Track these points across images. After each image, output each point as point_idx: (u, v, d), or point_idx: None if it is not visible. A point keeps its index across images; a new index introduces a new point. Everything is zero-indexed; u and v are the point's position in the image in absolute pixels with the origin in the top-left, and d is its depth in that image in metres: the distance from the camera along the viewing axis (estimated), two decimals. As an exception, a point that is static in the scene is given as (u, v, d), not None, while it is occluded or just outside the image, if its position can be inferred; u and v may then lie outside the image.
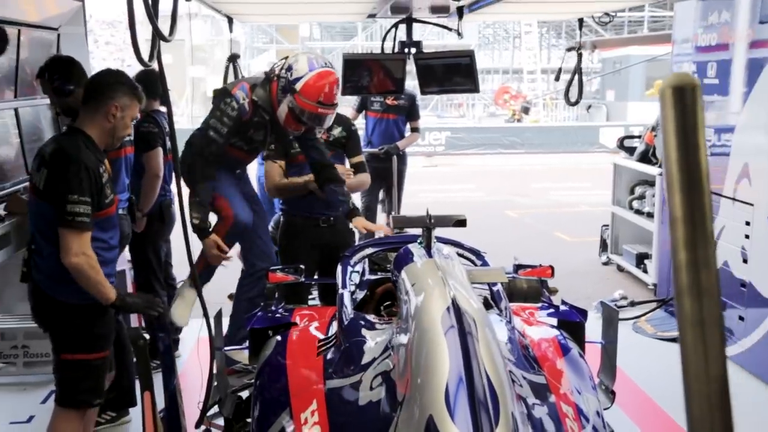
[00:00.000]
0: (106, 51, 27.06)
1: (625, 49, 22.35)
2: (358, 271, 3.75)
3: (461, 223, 3.39)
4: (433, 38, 22.38)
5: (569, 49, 6.35)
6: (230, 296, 4.55)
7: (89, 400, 3.23)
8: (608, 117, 23.70)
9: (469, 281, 2.67)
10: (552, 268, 3.80)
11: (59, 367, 3.20)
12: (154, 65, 2.43)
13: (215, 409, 3.28)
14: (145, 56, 2.25)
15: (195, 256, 3.20)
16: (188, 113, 21.85)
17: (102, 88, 3.13)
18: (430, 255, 2.75)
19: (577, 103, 6.36)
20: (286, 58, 4.00)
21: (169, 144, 4.64)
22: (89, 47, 5.53)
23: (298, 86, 3.78)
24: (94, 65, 5.19)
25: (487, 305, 3.12)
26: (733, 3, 5.23)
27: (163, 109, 4.79)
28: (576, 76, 6.02)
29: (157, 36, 2.17)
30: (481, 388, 1.85)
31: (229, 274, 4.96)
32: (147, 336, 2.99)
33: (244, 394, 3.32)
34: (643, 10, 26.55)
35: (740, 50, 5.17)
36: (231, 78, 6.06)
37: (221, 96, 3.97)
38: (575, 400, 2.49)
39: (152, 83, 4.56)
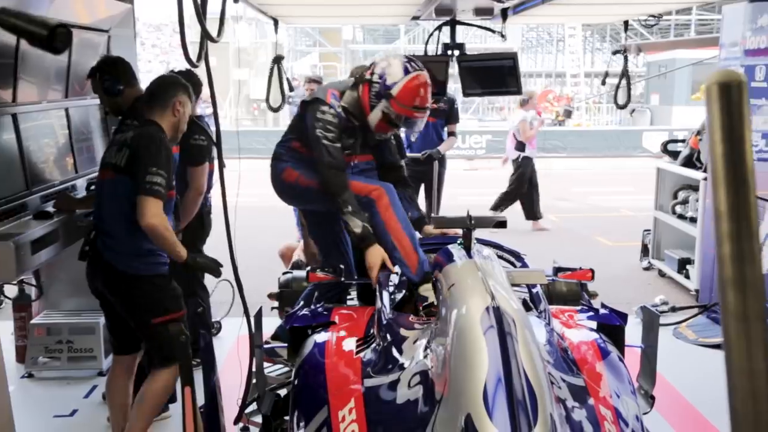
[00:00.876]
0: (152, 53, 27.57)
1: (671, 53, 22.05)
2: (397, 272, 3.77)
3: (502, 224, 3.37)
4: (475, 41, 22.30)
5: (615, 53, 6.24)
6: (270, 295, 4.59)
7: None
8: (652, 121, 23.33)
9: (509, 282, 2.67)
10: (592, 271, 3.75)
11: (153, 334, 3.48)
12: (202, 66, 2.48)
13: (254, 406, 3.32)
14: (193, 57, 2.30)
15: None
16: (231, 116, 22.05)
17: (166, 88, 3.61)
18: (470, 256, 2.75)
19: (625, 106, 6.23)
20: (374, 62, 3.88)
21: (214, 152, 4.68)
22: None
23: (394, 91, 3.68)
24: (140, 67, 5.28)
25: (526, 307, 3.11)
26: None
27: (199, 111, 4.85)
28: (624, 79, 5.95)
29: (205, 37, 2.20)
30: (519, 388, 1.85)
31: (268, 273, 5.02)
32: (188, 333, 3.07)
33: (283, 391, 3.35)
34: (690, 13, 26.12)
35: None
36: (275, 79, 6.12)
37: (315, 105, 3.85)
38: (614, 404, 2.46)
39: (194, 85, 4.61)
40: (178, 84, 3.66)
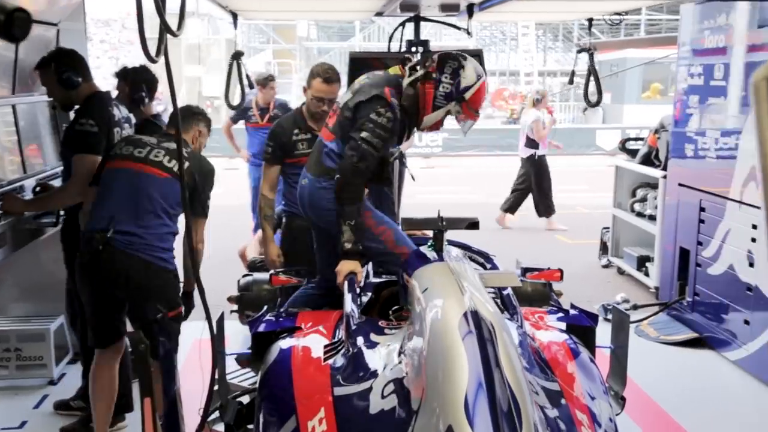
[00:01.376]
0: (101, 49, 26.90)
1: (621, 52, 22.39)
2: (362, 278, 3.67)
3: (474, 225, 3.31)
4: (432, 40, 22.28)
5: (581, 51, 6.22)
6: (230, 299, 4.46)
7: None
8: (604, 119, 23.68)
9: (482, 285, 2.61)
10: (561, 271, 3.72)
11: (167, 325, 3.57)
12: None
13: (216, 414, 3.21)
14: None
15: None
16: (183, 113, 21.65)
17: (189, 117, 3.91)
18: (441, 258, 2.68)
19: (597, 103, 6.23)
20: (433, 59, 3.64)
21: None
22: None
23: (468, 95, 3.51)
24: (89, 63, 5.09)
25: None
26: (735, 6, 5.21)
27: (155, 110, 4.70)
28: (592, 77, 5.95)
29: (165, 30, 2.07)
30: (503, 397, 1.78)
31: (228, 275, 4.89)
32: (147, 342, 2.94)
33: (245, 399, 3.24)
34: (640, 13, 26.57)
35: (738, 54, 5.18)
36: (234, 75, 5.90)
37: (373, 103, 3.51)
38: (588, 405, 2.44)
39: (149, 82, 4.49)
40: (201, 114, 4.02)
